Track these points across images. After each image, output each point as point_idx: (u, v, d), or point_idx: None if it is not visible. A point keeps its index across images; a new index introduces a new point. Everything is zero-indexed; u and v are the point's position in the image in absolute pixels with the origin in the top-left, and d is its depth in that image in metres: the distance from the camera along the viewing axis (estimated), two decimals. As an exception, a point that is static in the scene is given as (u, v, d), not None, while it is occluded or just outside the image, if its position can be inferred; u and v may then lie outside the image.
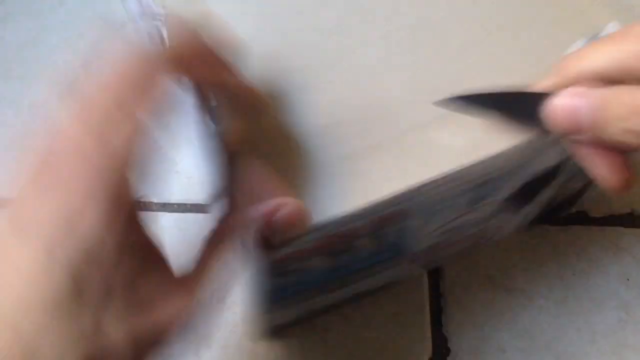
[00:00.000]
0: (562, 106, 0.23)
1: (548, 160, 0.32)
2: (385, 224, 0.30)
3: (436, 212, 0.31)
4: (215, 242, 0.24)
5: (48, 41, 0.56)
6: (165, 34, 0.25)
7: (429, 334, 0.39)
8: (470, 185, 0.30)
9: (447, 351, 0.38)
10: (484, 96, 0.27)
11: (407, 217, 0.30)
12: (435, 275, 0.41)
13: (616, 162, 0.24)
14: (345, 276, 0.34)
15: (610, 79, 0.22)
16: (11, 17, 0.58)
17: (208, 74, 0.23)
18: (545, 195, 0.37)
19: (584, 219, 0.43)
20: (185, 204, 0.41)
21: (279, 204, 0.23)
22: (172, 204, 0.40)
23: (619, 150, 0.23)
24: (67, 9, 0.59)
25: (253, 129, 0.27)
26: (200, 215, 0.41)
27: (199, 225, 0.29)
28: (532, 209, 0.38)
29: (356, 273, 0.35)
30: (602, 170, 0.24)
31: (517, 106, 0.26)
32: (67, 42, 0.55)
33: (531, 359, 0.38)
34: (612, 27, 0.30)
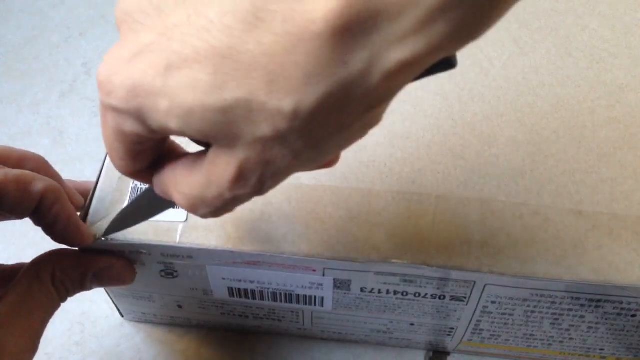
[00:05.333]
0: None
1: None
2: None
3: None
4: None
5: (49, 40, 0.56)
6: None
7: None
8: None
9: (448, 351, 0.38)
10: (127, 215, 0.29)
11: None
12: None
13: None
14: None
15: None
16: (12, 16, 0.58)
17: None
18: None
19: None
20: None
21: None
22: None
23: None
24: (68, 8, 0.59)
25: None
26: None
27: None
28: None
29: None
30: None
31: (151, 203, 0.28)
32: (68, 41, 0.55)
33: (531, 359, 0.38)
34: None
